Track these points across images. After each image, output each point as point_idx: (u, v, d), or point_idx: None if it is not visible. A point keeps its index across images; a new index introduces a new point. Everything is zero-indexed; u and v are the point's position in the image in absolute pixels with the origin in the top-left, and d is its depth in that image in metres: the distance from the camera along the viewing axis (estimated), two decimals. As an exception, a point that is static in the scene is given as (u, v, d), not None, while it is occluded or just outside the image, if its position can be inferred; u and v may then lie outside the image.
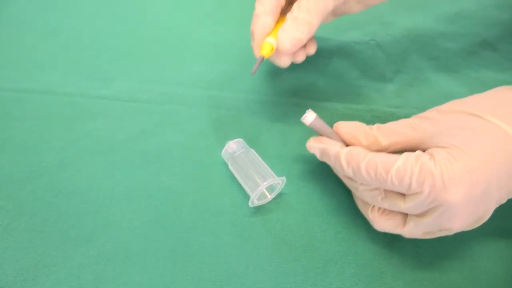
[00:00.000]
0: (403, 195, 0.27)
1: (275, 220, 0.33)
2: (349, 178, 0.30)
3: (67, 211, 0.33)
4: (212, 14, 0.53)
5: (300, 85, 0.43)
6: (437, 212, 0.25)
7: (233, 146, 0.34)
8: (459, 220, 0.25)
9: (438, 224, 0.26)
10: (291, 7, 0.32)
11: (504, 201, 0.27)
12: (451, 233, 0.27)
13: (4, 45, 0.47)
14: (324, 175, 0.35)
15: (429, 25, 0.52)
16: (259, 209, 0.33)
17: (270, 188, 0.34)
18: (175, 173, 0.35)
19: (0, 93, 0.41)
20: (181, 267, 0.30)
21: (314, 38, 0.36)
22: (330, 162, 0.30)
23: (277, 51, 0.32)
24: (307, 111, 0.30)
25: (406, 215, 0.28)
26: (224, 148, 0.35)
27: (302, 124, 0.31)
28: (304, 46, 0.36)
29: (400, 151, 0.28)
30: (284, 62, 0.33)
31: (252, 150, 0.35)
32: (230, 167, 0.34)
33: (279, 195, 0.34)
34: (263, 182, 0.31)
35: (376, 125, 0.30)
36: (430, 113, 0.29)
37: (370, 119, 0.40)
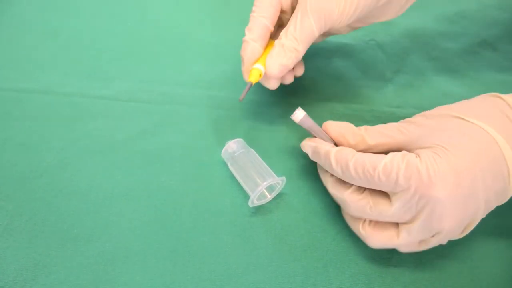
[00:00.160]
0: (390, 199, 0.27)
1: (275, 220, 0.33)
2: (337, 190, 0.30)
3: (67, 211, 0.33)
4: (212, 14, 0.53)
5: (300, 85, 0.43)
6: (425, 212, 0.26)
7: (233, 146, 0.34)
8: (448, 219, 0.26)
9: (429, 227, 0.26)
10: (280, 31, 0.33)
11: (493, 205, 0.27)
12: (444, 238, 0.27)
13: (4, 45, 0.47)
14: (324, 175, 0.35)
15: (429, 25, 0.52)
16: (259, 209, 0.33)
17: (270, 188, 0.34)
18: (175, 173, 0.35)
19: (0, 93, 0.41)
20: (181, 267, 0.30)
21: (302, 60, 0.38)
22: (320, 161, 0.31)
23: (265, 76, 0.33)
24: (297, 108, 0.31)
25: (397, 226, 0.28)
26: (224, 148, 0.35)
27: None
28: (292, 68, 0.37)
29: (386, 152, 0.28)
30: (272, 85, 0.35)
31: (252, 150, 0.35)
32: (230, 167, 0.34)
33: (279, 195, 0.34)
34: (263, 182, 0.31)
35: (364, 127, 0.31)
36: (417, 117, 0.30)
37: (370, 119, 0.40)
